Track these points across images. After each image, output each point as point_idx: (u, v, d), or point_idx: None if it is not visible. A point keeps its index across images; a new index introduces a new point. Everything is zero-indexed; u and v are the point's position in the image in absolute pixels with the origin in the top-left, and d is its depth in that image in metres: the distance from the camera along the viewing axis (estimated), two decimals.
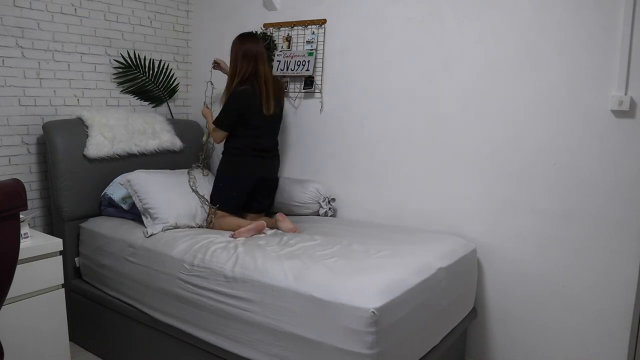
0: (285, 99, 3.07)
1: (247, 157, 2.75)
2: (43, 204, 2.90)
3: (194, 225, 2.66)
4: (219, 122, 2.75)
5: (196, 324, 2.17)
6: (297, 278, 1.90)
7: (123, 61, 3.20)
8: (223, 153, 2.84)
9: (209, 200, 2.76)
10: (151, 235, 2.46)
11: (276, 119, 2.85)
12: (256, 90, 2.69)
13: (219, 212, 2.71)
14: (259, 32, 3.23)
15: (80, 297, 2.75)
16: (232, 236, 2.43)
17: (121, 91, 3.24)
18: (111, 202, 2.78)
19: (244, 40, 2.78)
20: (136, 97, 3.34)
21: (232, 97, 2.70)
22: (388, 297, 1.77)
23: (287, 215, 2.76)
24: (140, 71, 3.29)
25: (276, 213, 2.77)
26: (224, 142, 2.84)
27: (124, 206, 2.72)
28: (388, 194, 2.84)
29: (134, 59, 3.24)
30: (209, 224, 2.71)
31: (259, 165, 2.79)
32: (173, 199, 2.64)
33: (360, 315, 1.70)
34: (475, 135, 2.53)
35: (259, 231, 2.53)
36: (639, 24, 2.08)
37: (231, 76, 2.78)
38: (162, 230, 2.49)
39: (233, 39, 2.82)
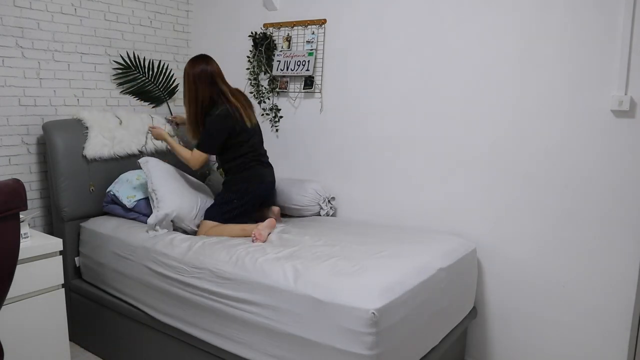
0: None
1: (254, 170, 2.70)
2: (43, 204, 2.90)
3: (191, 226, 2.64)
4: (203, 146, 2.63)
5: (196, 324, 2.17)
6: (296, 279, 1.90)
7: (122, 62, 3.20)
8: (227, 175, 2.75)
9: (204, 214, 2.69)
10: (156, 224, 2.48)
11: (258, 127, 2.79)
12: (231, 107, 2.62)
13: (212, 222, 2.63)
14: (258, 32, 3.24)
15: (80, 297, 2.75)
16: (255, 239, 2.34)
17: (121, 92, 3.23)
18: (114, 200, 2.78)
19: (196, 63, 2.66)
20: (136, 98, 3.34)
21: (216, 120, 2.60)
22: (388, 298, 1.77)
23: (288, 216, 2.74)
24: (139, 72, 3.29)
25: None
26: (219, 165, 2.73)
27: (128, 204, 2.72)
28: (388, 194, 2.84)
29: (133, 60, 3.24)
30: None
31: (267, 174, 2.75)
32: (180, 191, 2.64)
33: (360, 316, 1.70)
34: (475, 135, 2.52)
35: (271, 228, 2.49)
36: (639, 24, 2.08)
37: (193, 102, 2.66)
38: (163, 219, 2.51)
39: (233, 38, 2.80)
